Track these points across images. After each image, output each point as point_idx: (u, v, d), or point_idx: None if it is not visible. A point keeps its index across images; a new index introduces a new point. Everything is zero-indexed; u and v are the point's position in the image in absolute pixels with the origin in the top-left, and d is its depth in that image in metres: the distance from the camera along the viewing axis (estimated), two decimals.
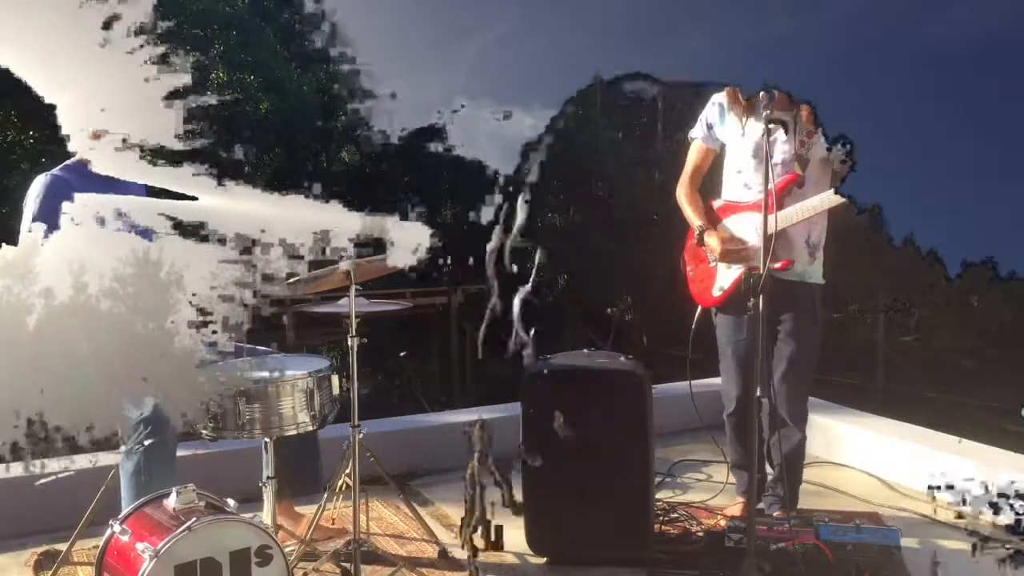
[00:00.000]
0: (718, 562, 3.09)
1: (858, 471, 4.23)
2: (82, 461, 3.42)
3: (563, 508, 3.17)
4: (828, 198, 3.17)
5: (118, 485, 3.00)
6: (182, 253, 1.77)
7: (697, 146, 3.52)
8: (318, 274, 2.95)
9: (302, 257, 1.89)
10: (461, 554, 3.32)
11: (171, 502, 2.52)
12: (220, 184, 1.84)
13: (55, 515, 3.33)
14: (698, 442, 4.52)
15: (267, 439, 2.98)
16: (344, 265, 2.91)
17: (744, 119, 3.33)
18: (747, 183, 3.36)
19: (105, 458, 3.00)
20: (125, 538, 2.46)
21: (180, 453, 3.12)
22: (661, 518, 3.56)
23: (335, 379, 3.08)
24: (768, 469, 3.56)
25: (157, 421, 2.86)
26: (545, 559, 3.24)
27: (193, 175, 1.82)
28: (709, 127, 3.46)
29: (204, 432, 2.87)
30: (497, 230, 2.24)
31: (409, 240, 2.10)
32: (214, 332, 1.78)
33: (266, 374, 2.90)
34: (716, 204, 3.47)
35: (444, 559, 3.26)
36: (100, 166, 1.89)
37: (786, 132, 3.23)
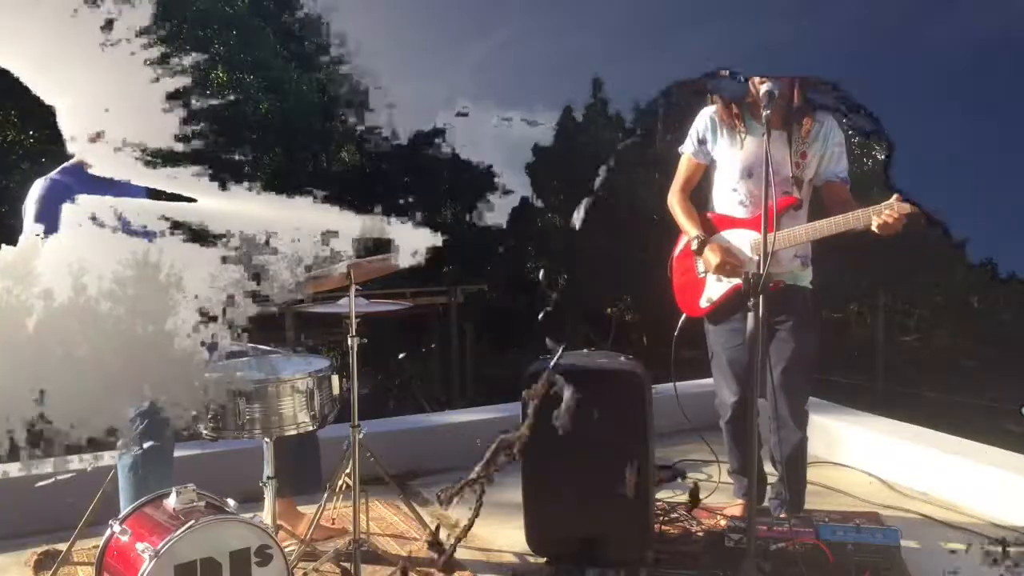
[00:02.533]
0: (718, 562, 3.09)
1: (858, 471, 4.23)
2: (83, 462, 3.42)
3: (563, 508, 3.17)
4: (858, 218, 3.03)
5: (117, 485, 3.00)
6: (182, 255, 1.77)
7: (686, 160, 3.47)
8: (318, 274, 2.95)
9: (303, 259, 1.89)
10: (461, 554, 3.33)
11: (171, 502, 2.52)
12: (222, 186, 1.84)
13: (55, 515, 3.33)
14: (698, 442, 4.52)
15: (267, 439, 2.98)
16: (343, 265, 2.91)
17: (741, 133, 3.30)
18: (742, 201, 3.32)
19: (105, 458, 3.00)
20: (125, 538, 2.46)
21: (180, 453, 3.12)
22: (661, 518, 3.56)
23: (335, 379, 3.08)
24: (770, 470, 3.56)
25: (154, 420, 2.86)
26: (545, 559, 3.24)
27: (193, 177, 1.82)
28: (701, 142, 3.41)
29: (204, 432, 2.87)
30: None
31: (409, 242, 2.10)
32: (215, 334, 1.78)
33: (266, 374, 2.90)
34: (711, 215, 3.43)
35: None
36: (100, 168, 1.90)
37: (784, 150, 3.22)
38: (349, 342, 3.02)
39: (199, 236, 1.82)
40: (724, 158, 3.37)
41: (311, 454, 3.40)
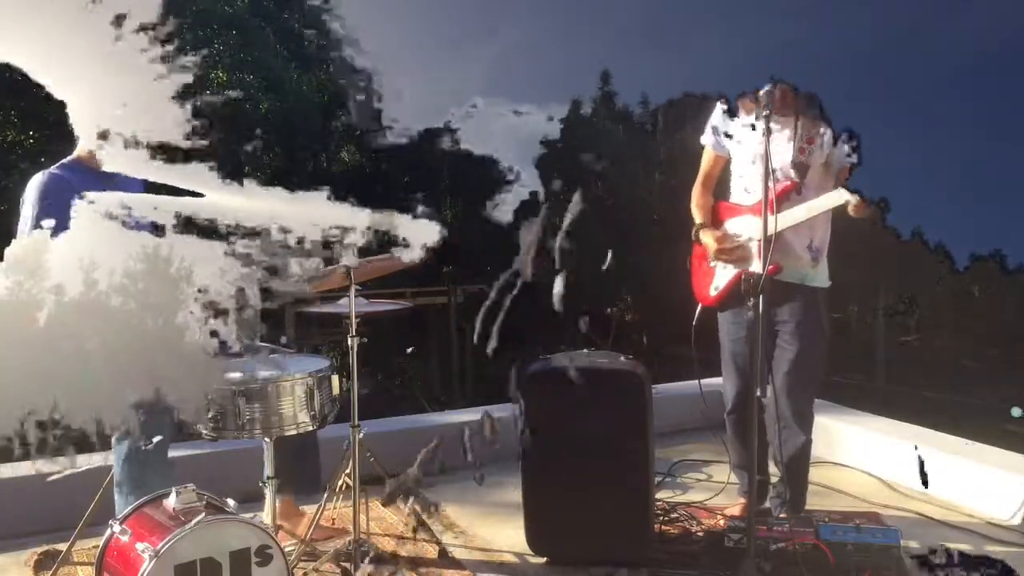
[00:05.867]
0: (718, 562, 3.09)
1: (858, 471, 4.24)
2: (95, 459, 3.43)
3: (563, 508, 3.17)
4: (836, 197, 3.12)
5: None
6: (191, 250, 1.76)
7: (706, 153, 3.54)
8: (318, 274, 2.94)
9: (311, 253, 1.88)
10: (461, 554, 3.33)
11: (171, 502, 2.52)
12: (235, 181, 1.83)
13: (55, 515, 3.32)
14: (698, 442, 4.52)
15: (267, 439, 2.98)
16: (344, 265, 2.91)
17: (749, 121, 3.31)
18: (747, 188, 3.36)
19: (104, 458, 2.99)
20: (125, 538, 2.46)
21: (180, 453, 3.12)
22: (661, 518, 3.56)
23: (335, 379, 3.08)
24: (772, 469, 3.56)
25: (150, 421, 2.84)
26: (545, 559, 3.24)
27: (202, 172, 1.81)
28: (715, 132, 3.47)
29: (204, 432, 2.87)
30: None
31: (419, 236, 2.09)
32: (225, 327, 1.78)
33: (266, 374, 2.89)
34: (719, 205, 3.49)
35: (444, 559, 3.26)
36: (109, 164, 1.89)
37: (788, 137, 3.22)
38: (349, 342, 3.02)
39: (208, 232, 1.81)
40: (733, 146, 3.42)
41: (311, 455, 3.40)
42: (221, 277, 1.77)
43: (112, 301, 1.66)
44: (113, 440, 2.89)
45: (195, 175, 1.83)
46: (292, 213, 1.85)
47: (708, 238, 3.38)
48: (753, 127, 3.19)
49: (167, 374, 1.73)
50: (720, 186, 3.56)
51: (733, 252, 3.33)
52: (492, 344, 2.26)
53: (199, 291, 1.76)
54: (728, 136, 3.41)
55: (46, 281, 1.64)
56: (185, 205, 1.86)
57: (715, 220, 3.45)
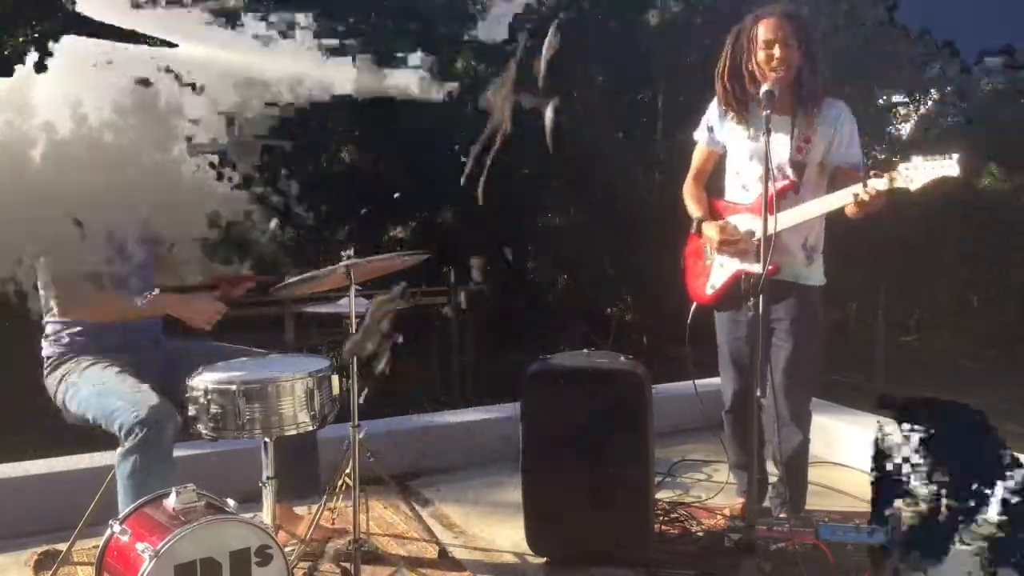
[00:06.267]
0: (718, 562, 3.09)
1: (858, 471, 4.23)
2: (96, 458, 3.41)
3: (563, 508, 3.17)
4: (839, 197, 3.06)
5: (117, 487, 2.98)
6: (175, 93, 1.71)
7: (700, 148, 3.52)
8: (317, 274, 2.95)
9: (302, 80, 1.81)
10: (461, 554, 3.33)
11: (171, 502, 2.52)
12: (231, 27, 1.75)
13: (55, 515, 3.33)
14: (698, 442, 4.52)
15: (267, 439, 2.98)
16: (344, 264, 2.91)
17: (744, 120, 3.31)
18: (745, 185, 3.35)
19: (105, 458, 2.99)
20: (125, 538, 2.46)
21: (180, 453, 3.11)
22: (661, 518, 3.56)
23: (335, 379, 3.08)
24: (771, 469, 3.56)
25: (153, 421, 2.84)
26: (545, 559, 3.24)
27: (180, 17, 1.74)
28: (710, 129, 3.46)
29: (204, 432, 2.87)
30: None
31: (409, 81, 2.02)
32: (221, 159, 1.73)
33: (266, 374, 2.89)
34: (717, 203, 3.46)
35: (444, 559, 3.26)
36: (83, 6, 1.81)
37: (785, 134, 3.21)
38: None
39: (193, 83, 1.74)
40: (730, 142, 3.41)
41: (311, 455, 3.39)
42: (213, 105, 1.72)
43: (105, 137, 1.62)
44: (118, 453, 2.88)
45: (173, 21, 1.75)
46: (276, 68, 1.78)
47: (711, 230, 3.34)
48: (746, 126, 3.18)
49: (166, 207, 1.70)
50: (711, 181, 3.55)
51: (736, 244, 3.31)
52: (480, 187, 2.13)
53: (192, 121, 1.71)
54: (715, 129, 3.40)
55: (35, 119, 1.60)
56: (161, 56, 1.79)
57: (713, 214, 3.43)
